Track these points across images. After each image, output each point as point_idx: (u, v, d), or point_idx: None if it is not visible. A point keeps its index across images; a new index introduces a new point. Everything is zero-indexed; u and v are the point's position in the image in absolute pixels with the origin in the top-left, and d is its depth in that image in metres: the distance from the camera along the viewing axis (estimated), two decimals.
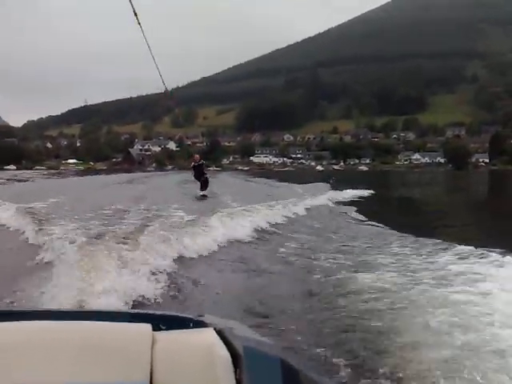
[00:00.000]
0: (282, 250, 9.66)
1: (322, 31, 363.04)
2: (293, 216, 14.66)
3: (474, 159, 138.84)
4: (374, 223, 14.35)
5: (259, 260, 8.79)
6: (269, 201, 17.80)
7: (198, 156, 25.28)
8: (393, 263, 8.05)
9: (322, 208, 18.82)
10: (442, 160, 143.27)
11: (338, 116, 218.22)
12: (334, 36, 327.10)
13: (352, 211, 18.04)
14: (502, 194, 37.94)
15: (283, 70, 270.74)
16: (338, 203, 21.42)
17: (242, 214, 12.85)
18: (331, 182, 33.61)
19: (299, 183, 36.15)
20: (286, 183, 38.69)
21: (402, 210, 24.27)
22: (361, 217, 16.18)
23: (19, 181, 42.03)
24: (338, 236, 11.87)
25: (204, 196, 22.34)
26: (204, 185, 23.10)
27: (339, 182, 35.35)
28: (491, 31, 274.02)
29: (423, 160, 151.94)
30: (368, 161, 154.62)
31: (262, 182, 43.17)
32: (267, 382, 0.93)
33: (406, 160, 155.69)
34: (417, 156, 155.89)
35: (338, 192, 25.77)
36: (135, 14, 3.84)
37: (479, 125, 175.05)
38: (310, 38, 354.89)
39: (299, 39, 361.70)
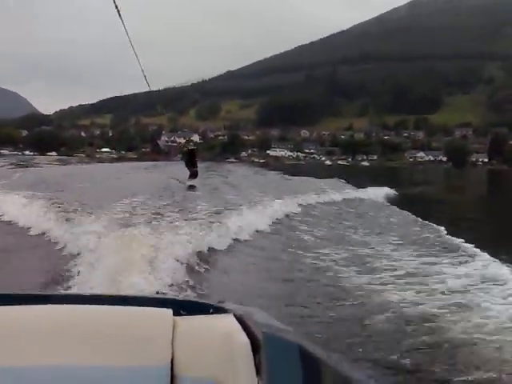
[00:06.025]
0: None
1: (345, 29, 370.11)
2: None
3: (474, 158, 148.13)
4: None
5: None
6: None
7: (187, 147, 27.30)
8: None
9: None
10: (444, 158, 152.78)
11: (354, 113, 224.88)
12: (356, 34, 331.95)
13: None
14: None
15: (305, 66, 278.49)
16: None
17: None
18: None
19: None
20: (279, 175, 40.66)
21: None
22: None
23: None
24: None
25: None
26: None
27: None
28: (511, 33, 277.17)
29: (427, 158, 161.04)
30: (375, 157, 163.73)
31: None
32: (286, 368, 0.95)
33: (411, 158, 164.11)
34: (421, 154, 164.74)
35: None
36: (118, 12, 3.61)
37: (487, 126, 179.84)
38: (332, 35, 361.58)
39: (323, 36, 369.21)
